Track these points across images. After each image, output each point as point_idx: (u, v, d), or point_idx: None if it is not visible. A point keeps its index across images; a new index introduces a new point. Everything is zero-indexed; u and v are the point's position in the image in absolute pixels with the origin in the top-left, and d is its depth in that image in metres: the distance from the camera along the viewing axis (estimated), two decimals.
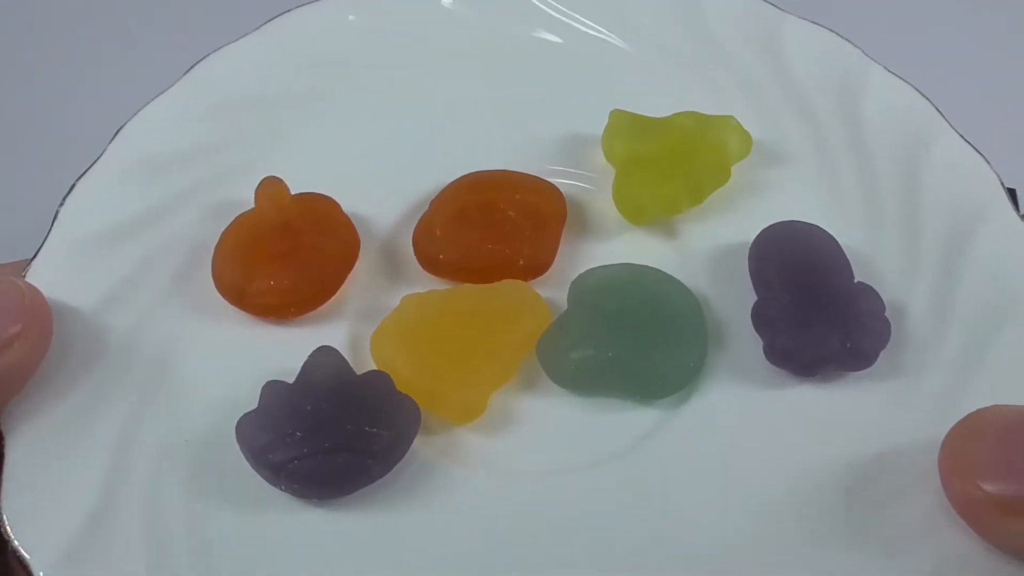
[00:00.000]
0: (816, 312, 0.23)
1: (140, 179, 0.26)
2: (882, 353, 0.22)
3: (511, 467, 0.22)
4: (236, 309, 0.24)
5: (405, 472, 0.22)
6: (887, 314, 0.23)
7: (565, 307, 0.24)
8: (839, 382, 0.23)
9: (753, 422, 0.22)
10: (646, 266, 0.24)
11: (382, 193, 0.26)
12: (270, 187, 0.25)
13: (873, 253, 0.25)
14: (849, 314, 0.23)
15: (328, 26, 0.29)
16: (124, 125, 0.27)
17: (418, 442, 0.22)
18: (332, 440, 0.21)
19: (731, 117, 0.26)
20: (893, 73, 0.27)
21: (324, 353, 0.22)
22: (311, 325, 0.24)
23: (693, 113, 0.26)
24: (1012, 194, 0.50)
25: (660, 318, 0.23)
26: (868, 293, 0.23)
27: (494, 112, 0.28)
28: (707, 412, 0.23)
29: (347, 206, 0.26)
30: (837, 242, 0.24)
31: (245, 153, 0.27)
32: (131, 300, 0.24)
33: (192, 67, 0.28)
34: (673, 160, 0.26)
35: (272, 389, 0.22)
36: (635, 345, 0.23)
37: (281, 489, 0.21)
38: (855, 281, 0.23)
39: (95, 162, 0.26)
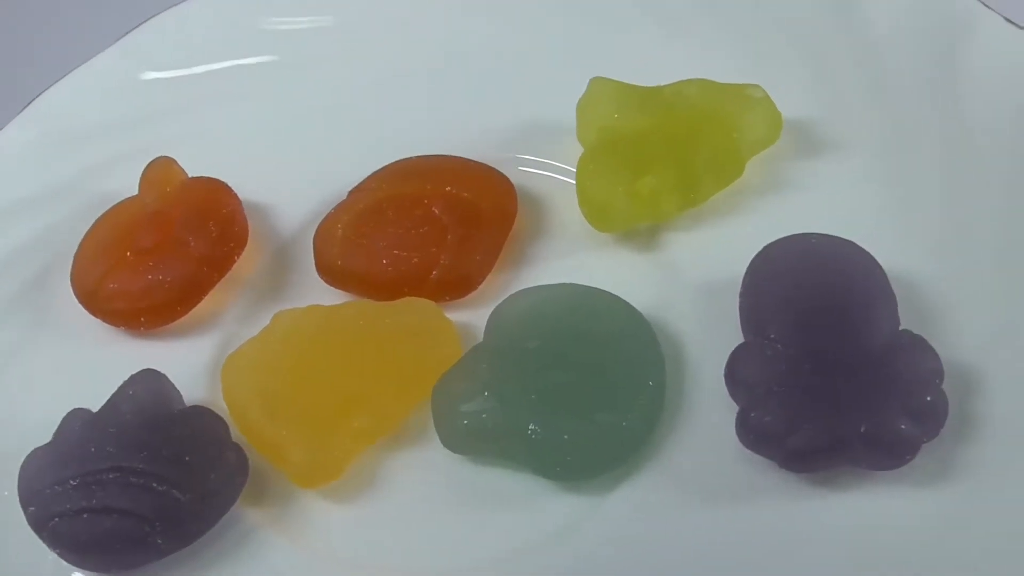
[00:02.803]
0: (826, 373, 0.15)
1: (37, 157, 0.22)
2: (924, 445, 0.14)
3: (361, 557, 0.16)
4: (91, 315, 0.20)
5: (218, 544, 0.16)
6: (943, 384, 0.14)
7: (479, 335, 0.18)
8: (855, 486, 0.15)
9: (708, 532, 0.15)
10: (594, 289, 0.17)
11: (299, 182, 0.21)
12: (158, 169, 0.20)
13: (936, 289, 0.16)
14: (881, 380, 0.14)
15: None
16: (33, 100, 0.23)
17: (249, 504, 0.16)
18: (106, 495, 0.15)
19: (756, 87, 0.19)
20: (1014, 24, 0.18)
21: (145, 378, 0.17)
22: (171, 339, 0.19)
23: (703, 81, 0.19)
24: None
25: (597, 365, 0.16)
26: (916, 348, 0.15)
27: (452, 84, 0.22)
28: (645, 507, 0.15)
29: (252, 195, 0.21)
30: (880, 268, 0.16)
31: (147, 135, 0.22)
32: None
33: (124, 35, 0.24)
34: (664, 144, 0.18)
35: (72, 419, 0.17)
36: (555, 401, 0.16)
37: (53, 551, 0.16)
38: (899, 328, 0.15)
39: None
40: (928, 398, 0.14)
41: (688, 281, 0.18)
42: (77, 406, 0.18)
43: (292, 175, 0.21)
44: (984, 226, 0.17)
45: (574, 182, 0.19)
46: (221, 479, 0.16)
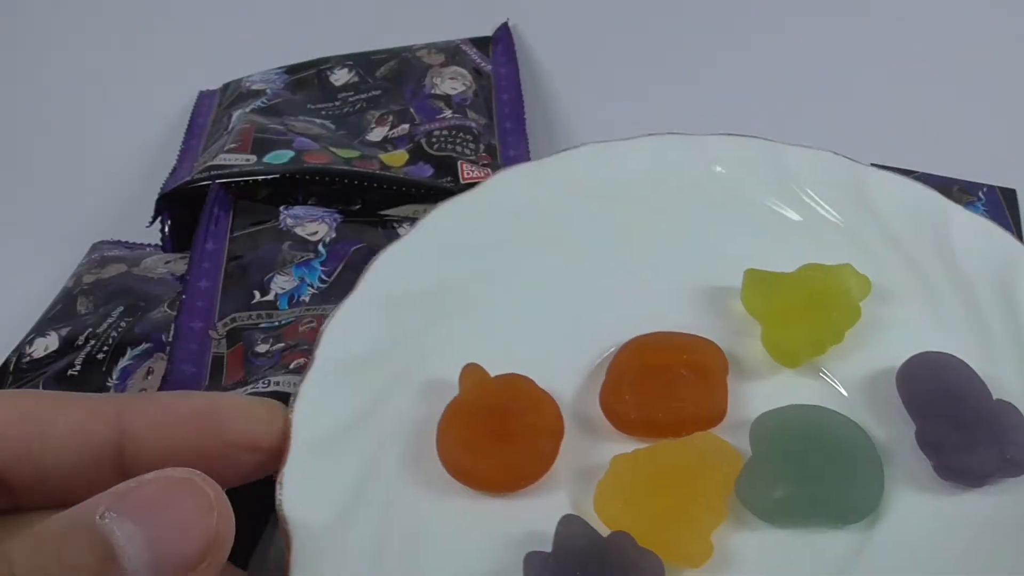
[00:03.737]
0: (972, 430, 0.27)
1: (348, 376, 0.29)
2: None
3: None
4: (462, 486, 0.27)
5: None
6: None
7: (748, 448, 0.28)
8: (1002, 486, 0.27)
9: (942, 531, 0.26)
10: (813, 405, 0.28)
11: (561, 363, 0.30)
12: (472, 374, 0.28)
13: (997, 372, 0.29)
14: (999, 428, 0.27)
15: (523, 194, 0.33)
16: (326, 325, 0.30)
17: None
18: None
19: (848, 265, 0.31)
20: (971, 211, 0.32)
21: (571, 521, 0.25)
22: (533, 494, 0.27)
23: (816, 264, 0.31)
24: (1012, 195, 0.53)
25: (841, 450, 0.27)
26: (1009, 408, 0.27)
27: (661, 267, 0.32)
28: (900, 527, 0.26)
29: (536, 379, 0.29)
30: (970, 366, 0.28)
31: (437, 335, 0.30)
32: (371, 493, 0.27)
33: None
34: (812, 307, 0.30)
35: (534, 561, 0.25)
36: (827, 478, 0.26)
37: None
38: (995, 399, 0.28)
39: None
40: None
41: (851, 390, 0.29)
42: (492, 555, 0.25)
43: (546, 361, 0.30)
44: (998, 329, 0.30)
45: (738, 335, 0.30)
46: (655, 573, 0.25)
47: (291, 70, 0.57)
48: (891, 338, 0.30)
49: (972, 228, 0.32)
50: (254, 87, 0.56)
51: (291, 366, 0.37)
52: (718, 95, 0.60)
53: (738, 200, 0.34)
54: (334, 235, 0.45)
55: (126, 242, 0.53)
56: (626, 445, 0.28)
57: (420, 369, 0.29)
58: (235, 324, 0.41)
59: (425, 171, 0.49)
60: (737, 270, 0.31)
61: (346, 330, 0.29)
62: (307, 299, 0.42)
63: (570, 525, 0.25)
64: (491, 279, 0.32)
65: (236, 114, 0.54)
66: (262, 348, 0.39)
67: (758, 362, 0.30)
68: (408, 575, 0.25)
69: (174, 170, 0.51)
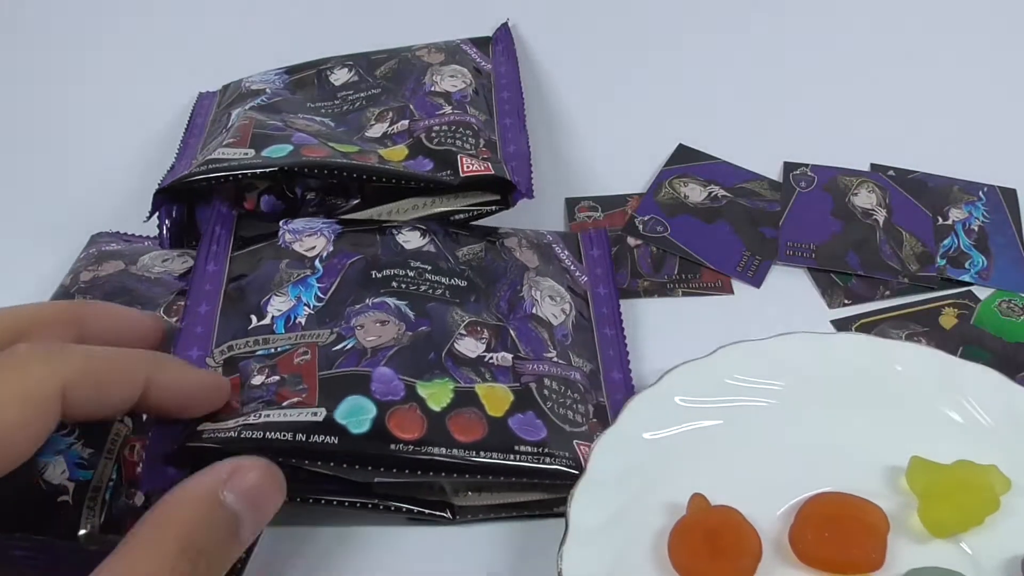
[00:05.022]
0: None
1: (609, 488, 0.41)
2: None
3: None
4: None
5: None
6: None
7: None
8: None
9: None
10: (951, 569, 0.38)
11: (765, 503, 0.41)
12: (699, 501, 0.40)
13: None
14: None
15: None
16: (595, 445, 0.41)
17: None
18: None
19: (994, 466, 0.40)
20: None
21: None
22: None
23: (969, 461, 0.40)
24: (1012, 195, 0.56)
25: None
26: None
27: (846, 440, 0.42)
28: None
29: (744, 512, 0.40)
30: None
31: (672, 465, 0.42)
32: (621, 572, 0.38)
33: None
34: (961, 493, 0.39)
35: None
36: None
37: None
38: None
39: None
40: None
41: (986, 565, 0.39)
42: None
43: (752, 500, 0.41)
44: None
45: (900, 505, 0.40)
46: None
47: (291, 70, 0.57)
48: (1022, 528, 0.39)
49: None
50: (254, 87, 0.56)
51: (284, 404, 0.39)
52: (717, 95, 0.62)
53: (913, 397, 0.44)
54: (331, 248, 0.46)
55: (125, 234, 0.53)
56: (805, 573, 0.38)
57: (660, 492, 0.41)
58: (232, 352, 0.41)
59: (425, 165, 0.49)
60: (906, 454, 0.41)
61: (612, 455, 0.41)
62: (303, 321, 0.43)
63: None
64: (717, 434, 0.43)
65: (235, 112, 0.53)
66: (257, 380, 0.40)
67: (913, 529, 0.40)
68: None
69: (172, 167, 0.51)
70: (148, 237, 0.52)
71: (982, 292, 0.54)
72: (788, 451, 0.42)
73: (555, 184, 0.59)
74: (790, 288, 0.54)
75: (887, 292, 0.54)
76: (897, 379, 0.44)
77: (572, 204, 0.60)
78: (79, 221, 0.55)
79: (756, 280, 0.55)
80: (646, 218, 0.58)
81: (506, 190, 0.50)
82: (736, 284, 0.55)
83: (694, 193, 0.59)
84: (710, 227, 0.58)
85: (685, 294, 0.54)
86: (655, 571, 0.39)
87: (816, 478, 0.41)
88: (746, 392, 0.44)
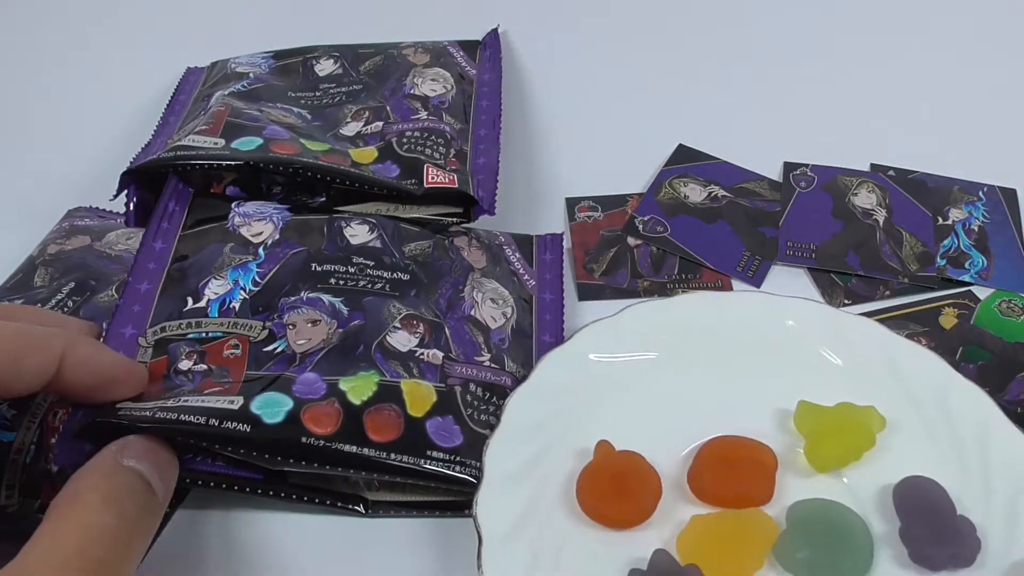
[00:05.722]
0: (937, 534, 0.40)
1: (523, 439, 0.43)
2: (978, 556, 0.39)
3: None
4: (592, 522, 0.41)
5: None
6: (978, 534, 0.40)
7: (784, 522, 0.41)
8: (953, 573, 0.39)
9: None
10: (833, 500, 0.41)
11: (664, 448, 0.44)
12: (605, 447, 0.43)
13: (966, 495, 0.42)
14: (955, 535, 0.40)
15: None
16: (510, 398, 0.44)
17: None
18: None
19: (872, 407, 0.44)
20: (971, 381, 0.45)
21: (660, 554, 0.39)
22: (637, 533, 0.41)
23: (849, 403, 0.44)
24: (1012, 195, 0.57)
25: (847, 532, 0.40)
26: (967, 523, 0.40)
27: (741, 389, 0.46)
28: None
29: (646, 456, 0.43)
30: (945, 489, 0.41)
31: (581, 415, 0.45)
32: (532, 517, 0.41)
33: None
34: (842, 433, 0.43)
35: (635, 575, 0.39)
36: (835, 549, 0.40)
37: None
38: (958, 515, 0.40)
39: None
40: (975, 542, 0.39)
41: (863, 494, 0.42)
42: (605, 571, 0.39)
43: (655, 444, 0.44)
44: (973, 467, 0.43)
45: (787, 445, 0.44)
46: None
47: (278, 55, 0.58)
48: (894, 462, 0.43)
49: (967, 393, 0.45)
50: (239, 69, 0.56)
51: (206, 392, 0.39)
52: (717, 95, 0.61)
53: (801, 347, 0.47)
54: (277, 236, 0.46)
55: (100, 210, 0.53)
56: (702, 509, 0.42)
57: (571, 440, 0.44)
58: (164, 334, 0.42)
59: (392, 170, 0.49)
60: (794, 399, 0.45)
61: (524, 406, 0.44)
62: (237, 306, 0.43)
63: (660, 556, 0.39)
64: (624, 386, 0.46)
65: (216, 95, 0.53)
66: (184, 365, 0.40)
67: (800, 466, 0.43)
68: (552, 573, 0.40)
69: (148, 144, 0.51)
70: (120, 214, 0.52)
71: (982, 292, 0.53)
72: (688, 399, 0.46)
73: (555, 184, 0.59)
74: (790, 288, 0.53)
75: (887, 292, 0.54)
76: (787, 332, 0.48)
77: (572, 204, 0.59)
78: (59, 194, 0.55)
79: (756, 280, 0.55)
80: (646, 218, 0.58)
81: (469, 203, 0.51)
82: (736, 284, 0.55)
83: (694, 193, 0.59)
84: (710, 227, 0.57)
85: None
86: (565, 512, 0.41)
87: (713, 423, 0.44)
88: (651, 346, 0.47)
